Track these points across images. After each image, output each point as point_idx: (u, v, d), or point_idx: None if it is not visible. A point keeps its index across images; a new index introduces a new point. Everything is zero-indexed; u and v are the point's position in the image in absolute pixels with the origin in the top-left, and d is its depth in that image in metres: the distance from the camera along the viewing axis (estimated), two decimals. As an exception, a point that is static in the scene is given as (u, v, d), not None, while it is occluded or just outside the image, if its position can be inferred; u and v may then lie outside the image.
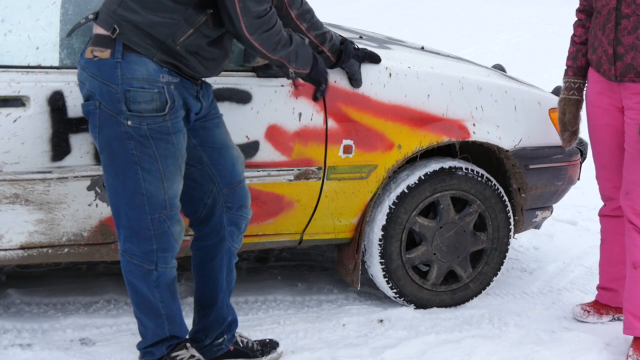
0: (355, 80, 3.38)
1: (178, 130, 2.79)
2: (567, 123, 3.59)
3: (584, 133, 3.94)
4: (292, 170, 3.38)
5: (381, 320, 3.60)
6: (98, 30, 2.77)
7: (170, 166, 2.78)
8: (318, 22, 3.27)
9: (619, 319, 3.75)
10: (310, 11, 3.24)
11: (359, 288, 3.69)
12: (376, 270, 3.66)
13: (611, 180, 3.58)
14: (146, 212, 2.78)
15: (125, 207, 2.80)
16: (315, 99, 3.18)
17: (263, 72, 3.25)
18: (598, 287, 3.79)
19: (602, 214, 3.70)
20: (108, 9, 2.77)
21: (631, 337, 3.50)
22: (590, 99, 3.57)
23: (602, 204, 3.74)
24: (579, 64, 3.56)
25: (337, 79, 3.37)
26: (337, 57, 3.31)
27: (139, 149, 2.74)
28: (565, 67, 3.63)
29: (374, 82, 3.44)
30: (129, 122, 2.72)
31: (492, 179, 3.73)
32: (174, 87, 2.77)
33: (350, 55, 3.33)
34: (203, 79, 2.92)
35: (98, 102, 2.74)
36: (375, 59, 3.44)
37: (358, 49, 3.39)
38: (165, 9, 2.73)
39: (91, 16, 2.82)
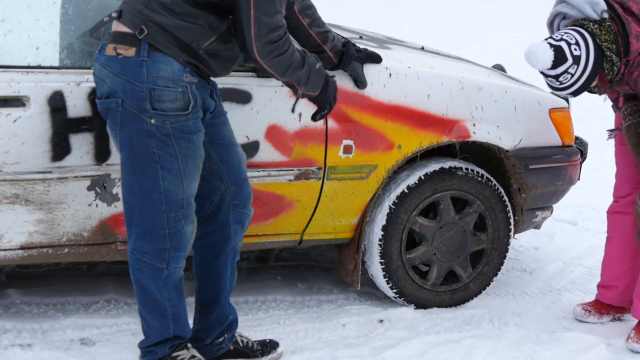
0: (360, 82, 3.39)
1: (199, 130, 2.81)
2: None
3: (583, 133, 3.94)
4: (292, 170, 3.38)
5: (381, 320, 3.61)
6: (120, 28, 2.77)
7: (190, 165, 2.79)
8: (320, 20, 3.28)
9: (619, 319, 3.76)
10: (311, 7, 3.25)
11: (359, 288, 3.69)
12: (376, 270, 3.66)
13: (630, 179, 3.59)
14: (162, 210, 2.78)
15: (141, 205, 2.80)
16: (313, 119, 3.13)
17: (263, 72, 3.24)
18: (599, 286, 3.79)
19: (612, 211, 3.70)
20: (133, 8, 2.77)
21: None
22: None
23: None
24: (625, 89, 3.48)
25: (336, 78, 3.37)
26: (339, 59, 3.32)
27: (161, 148, 2.75)
28: (612, 101, 3.55)
29: (374, 82, 3.44)
30: (153, 121, 2.73)
31: (492, 179, 3.73)
32: (195, 87, 2.79)
33: (353, 58, 3.33)
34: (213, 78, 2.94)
35: (121, 99, 2.74)
36: (376, 59, 3.45)
37: (360, 50, 3.39)
38: (191, 14, 2.74)
39: (114, 14, 2.82)
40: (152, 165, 2.76)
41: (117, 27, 2.79)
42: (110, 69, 2.75)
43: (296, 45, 3.16)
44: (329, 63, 3.31)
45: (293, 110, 3.15)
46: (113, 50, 2.76)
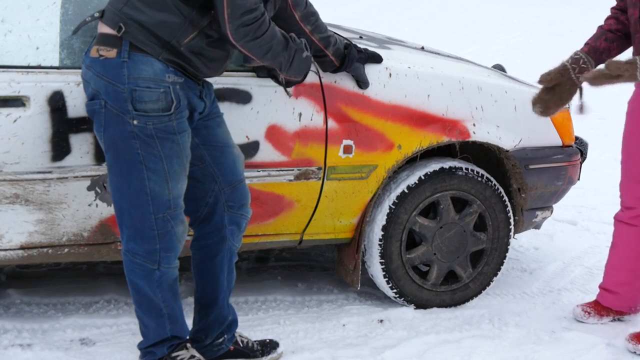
0: (362, 82, 3.39)
1: (183, 130, 2.80)
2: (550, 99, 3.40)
3: (583, 133, 3.93)
4: (292, 170, 3.38)
5: (381, 320, 3.61)
6: (104, 29, 2.77)
7: (175, 166, 2.79)
8: (322, 25, 3.27)
9: (619, 320, 3.75)
10: (314, 14, 3.24)
11: (359, 288, 3.68)
12: (376, 270, 3.66)
13: (635, 192, 3.55)
14: (150, 211, 2.78)
15: (129, 206, 2.80)
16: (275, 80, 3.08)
17: (263, 72, 3.25)
18: (601, 287, 3.77)
19: (618, 219, 3.67)
20: (114, 7, 2.77)
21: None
22: (633, 105, 3.53)
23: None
24: (597, 44, 3.46)
25: (337, 79, 3.37)
26: (341, 62, 3.32)
27: (145, 149, 2.74)
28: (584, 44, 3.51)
29: (374, 82, 3.44)
30: (135, 122, 2.72)
31: (492, 179, 3.73)
32: (179, 87, 2.77)
33: (354, 60, 3.33)
34: (205, 78, 2.93)
35: (104, 101, 2.74)
36: (377, 59, 3.45)
37: (361, 51, 3.39)
38: (171, 10, 2.73)
39: (97, 14, 2.82)
40: (137, 166, 2.75)
41: (101, 28, 2.79)
42: (94, 71, 2.76)
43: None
44: (331, 66, 3.31)
45: (287, 92, 3.10)
46: (96, 52, 2.76)
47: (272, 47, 2.83)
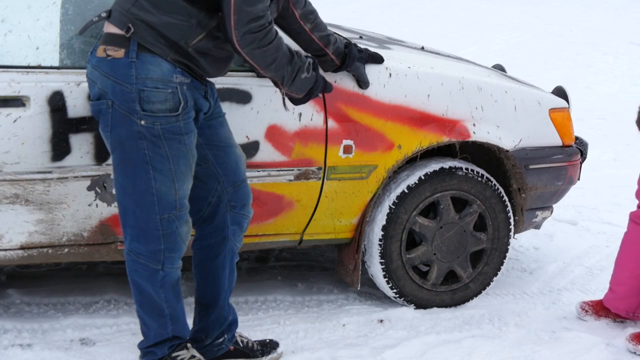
0: (363, 82, 3.39)
1: (190, 131, 2.80)
2: None
3: (583, 133, 3.93)
4: (292, 170, 3.38)
5: (381, 320, 3.61)
6: (110, 29, 2.77)
7: (181, 166, 2.79)
8: (322, 24, 3.27)
9: (621, 322, 3.75)
10: (314, 12, 3.24)
11: (359, 288, 3.69)
12: (376, 270, 3.66)
13: None
14: (155, 212, 2.78)
15: (134, 206, 2.80)
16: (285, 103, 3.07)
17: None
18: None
19: (631, 218, 3.69)
20: (122, 7, 2.76)
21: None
22: None
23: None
24: None
25: (337, 78, 3.37)
26: (342, 61, 3.32)
27: (152, 149, 2.74)
28: None
29: (374, 82, 3.44)
30: (142, 122, 2.72)
31: (492, 179, 3.73)
32: (186, 88, 2.78)
33: (355, 59, 3.33)
34: (208, 78, 2.93)
35: (111, 101, 2.74)
36: (378, 59, 3.45)
37: (361, 50, 3.39)
38: (180, 11, 2.73)
39: (104, 14, 2.81)
40: (143, 166, 2.75)
41: (107, 28, 2.79)
42: (101, 71, 2.75)
43: (295, 47, 3.17)
44: (331, 65, 3.31)
45: (285, 106, 3.12)
46: (103, 52, 2.75)
47: (277, 58, 2.83)
